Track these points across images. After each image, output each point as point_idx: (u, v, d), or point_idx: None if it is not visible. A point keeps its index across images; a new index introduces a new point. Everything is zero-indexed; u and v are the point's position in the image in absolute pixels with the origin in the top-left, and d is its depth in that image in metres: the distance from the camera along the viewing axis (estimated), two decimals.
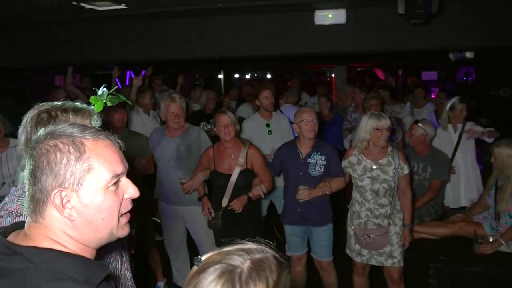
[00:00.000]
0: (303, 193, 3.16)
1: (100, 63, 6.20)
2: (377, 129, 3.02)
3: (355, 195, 3.23)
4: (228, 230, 3.24)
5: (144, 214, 3.52)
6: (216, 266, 0.87)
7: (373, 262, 3.19)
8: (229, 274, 0.85)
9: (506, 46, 4.38)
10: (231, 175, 3.23)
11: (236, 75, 13.53)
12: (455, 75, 10.73)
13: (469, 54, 5.71)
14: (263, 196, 3.37)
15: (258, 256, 0.89)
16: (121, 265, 1.56)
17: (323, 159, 3.18)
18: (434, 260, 3.27)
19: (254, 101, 4.73)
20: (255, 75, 14.05)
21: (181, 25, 4.31)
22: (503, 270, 3.14)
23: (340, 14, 3.95)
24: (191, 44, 4.34)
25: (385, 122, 3.03)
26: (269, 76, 13.86)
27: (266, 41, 4.21)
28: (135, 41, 4.46)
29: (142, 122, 4.65)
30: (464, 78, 10.07)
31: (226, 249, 0.92)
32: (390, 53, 7.63)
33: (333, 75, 10.42)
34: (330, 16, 3.99)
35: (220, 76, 11.94)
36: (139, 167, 3.49)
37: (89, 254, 0.98)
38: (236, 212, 3.22)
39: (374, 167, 3.10)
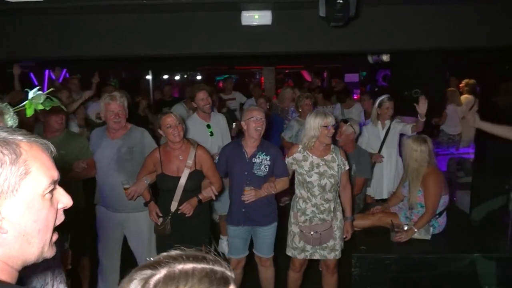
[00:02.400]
0: (249, 194, 3.15)
1: (12, 61, 5.73)
2: (325, 126, 3.13)
3: (300, 191, 3.28)
4: (177, 235, 3.12)
5: (80, 223, 3.26)
6: (141, 274, 0.81)
7: (317, 256, 3.31)
8: (144, 283, 0.79)
9: (417, 49, 4.76)
10: (179, 177, 3.12)
11: (165, 76, 13.25)
12: (375, 77, 11.48)
13: (385, 57, 6.15)
14: (214, 198, 3.30)
15: (178, 266, 0.80)
16: (52, 280, 1.41)
17: (268, 159, 3.21)
18: (356, 250, 3.46)
19: (189, 102, 4.67)
20: (185, 76, 13.87)
21: (105, 21, 4.11)
22: (416, 255, 3.42)
23: (266, 15, 4.04)
24: (115, 41, 4.17)
25: (331, 120, 3.16)
26: (199, 77, 13.76)
27: (193, 40, 4.17)
28: (52, 37, 4.17)
29: None
30: (383, 80, 10.80)
31: (157, 257, 0.84)
32: (314, 54, 7.96)
33: (262, 76, 10.62)
34: (256, 17, 4.06)
35: (149, 77, 11.61)
36: (79, 171, 3.27)
37: (9, 276, 0.85)
38: (186, 215, 3.11)
39: (321, 163, 3.20)
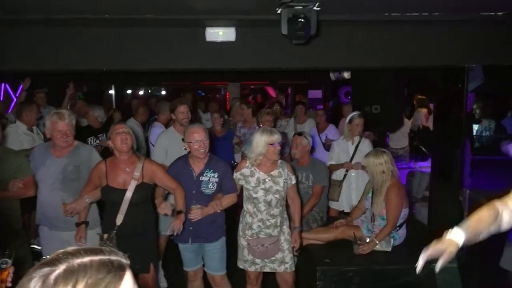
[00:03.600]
0: (196, 213, 3.13)
1: None
2: (271, 144, 3.16)
3: (247, 206, 3.30)
4: (121, 250, 3.02)
5: (20, 241, 3.14)
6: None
7: (267, 269, 3.31)
8: (44, 279, 0.82)
9: (375, 67, 4.96)
10: (126, 190, 3.04)
11: (129, 91, 13.06)
12: (338, 94, 11.80)
13: (346, 74, 6.36)
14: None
15: (77, 260, 0.85)
16: None
17: (216, 176, 3.20)
18: (320, 263, 3.50)
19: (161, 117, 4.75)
20: (149, 91, 13.72)
21: (68, 35, 4.00)
22: (378, 266, 3.50)
23: (230, 32, 4.09)
24: (78, 55, 4.07)
25: (277, 137, 3.18)
26: (163, 92, 13.66)
27: (158, 55, 4.15)
28: (12, 49, 4.01)
29: (19, 141, 4.22)
30: (345, 97, 11.11)
31: (55, 254, 0.88)
32: (278, 71, 8.11)
33: (227, 92, 10.68)
34: (220, 33, 4.11)
35: (111, 91, 11.40)
36: (15, 190, 3.13)
37: None
38: (134, 230, 3.04)
39: (267, 179, 3.22)
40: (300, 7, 3.16)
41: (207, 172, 3.20)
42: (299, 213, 3.39)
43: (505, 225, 1.51)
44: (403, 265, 3.52)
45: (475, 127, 6.01)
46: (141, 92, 13.44)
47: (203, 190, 3.18)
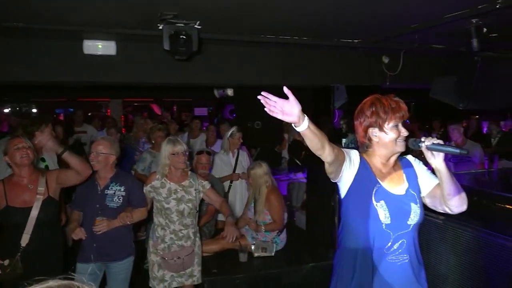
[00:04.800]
0: (101, 224, 2.97)
1: None
2: (173, 154, 3.19)
3: (158, 219, 3.24)
4: (30, 273, 2.68)
5: None
6: None
7: (175, 285, 3.26)
8: None
9: (253, 85, 5.28)
10: (30, 208, 2.80)
11: None
12: (223, 111, 12.14)
13: (230, 92, 6.61)
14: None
15: None
16: None
17: (122, 190, 3.10)
18: (208, 274, 3.56)
19: None
20: (17, 108, 12.34)
21: None
22: (262, 271, 3.70)
23: (110, 45, 3.98)
24: None
25: (181, 148, 3.22)
26: (34, 110, 12.42)
27: (29, 68, 3.83)
28: None
29: None
30: (229, 114, 11.49)
31: None
32: (163, 88, 8.06)
33: (108, 109, 10.20)
34: (99, 46, 3.97)
35: None
36: None
37: None
38: (41, 250, 2.81)
39: (178, 189, 3.22)
40: (182, 25, 3.26)
41: (112, 186, 3.09)
42: (227, 206, 3.37)
43: (323, 153, 1.74)
44: (286, 268, 3.79)
45: (344, 140, 6.75)
46: (6, 110, 12.01)
47: (107, 204, 3.05)
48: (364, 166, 1.94)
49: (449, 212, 1.94)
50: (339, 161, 1.86)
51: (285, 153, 7.60)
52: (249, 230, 4.10)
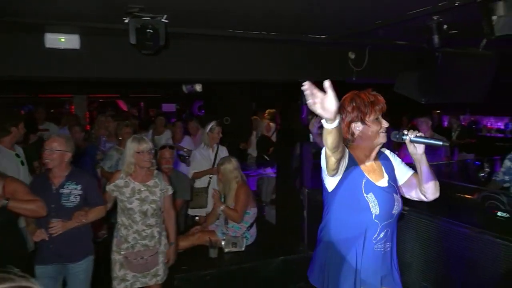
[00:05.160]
0: (56, 226, 2.87)
1: None
2: (138, 153, 3.11)
3: (122, 219, 3.17)
4: None
5: None
6: None
7: (138, 285, 3.18)
8: None
9: (222, 80, 5.27)
10: None
11: None
12: (192, 107, 12.03)
13: (198, 87, 6.55)
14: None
15: None
16: None
17: (79, 188, 2.99)
18: (178, 271, 3.54)
19: None
20: None
21: None
22: (233, 266, 3.71)
23: (73, 39, 3.85)
24: None
25: (146, 146, 3.14)
26: None
27: None
28: None
29: None
30: (198, 110, 11.41)
31: None
32: (130, 83, 7.90)
33: (72, 106, 9.90)
34: (62, 40, 3.83)
35: None
36: None
37: None
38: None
39: (142, 188, 3.14)
40: (148, 18, 3.20)
41: (68, 184, 2.97)
42: (174, 228, 3.36)
43: (338, 150, 1.73)
44: (256, 262, 3.82)
45: (311, 135, 6.85)
46: None
47: (63, 204, 2.94)
48: (352, 160, 2.01)
49: (425, 199, 2.10)
50: (343, 157, 1.90)
51: (251, 150, 7.64)
52: (219, 226, 4.10)
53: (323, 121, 1.62)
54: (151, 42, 3.24)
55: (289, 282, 3.86)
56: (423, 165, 1.99)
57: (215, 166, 4.83)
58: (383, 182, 2.05)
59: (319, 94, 1.52)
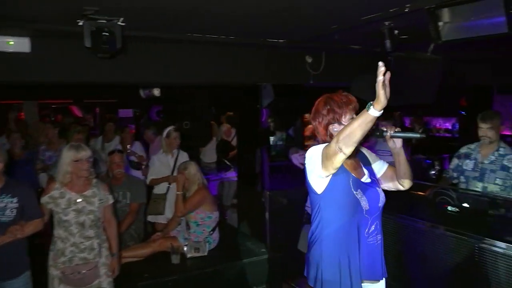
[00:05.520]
0: None
1: None
2: (76, 161, 2.98)
3: (58, 231, 3.02)
4: None
5: None
6: None
7: None
8: None
9: (181, 84, 5.21)
10: None
11: None
12: (149, 113, 11.78)
13: (156, 92, 6.44)
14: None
15: None
16: None
17: (15, 201, 2.83)
18: (139, 279, 3.46)
19: None
20: None
21: None
22: (195, 271, 3.69)
23: (23, 42, 3.69)
24: None
25: (85, 154, 3.01)
26: None
27: None
28: None
29: None
30: (156, 115, 11.20)
31: None
32: (84, 88, 7.63)
33: (21, 112, 9.43)
34: (11, 43, 3.66)
35: None
36: None
37: None
38: None
39: (79, 199, 3.01)
40: (104, 21, 3.12)
41: (3, 198, 2.81)
42: (116, 238, 3.25)
43: (357, 143, 1.80)
44: (219, 265, 3.80)
45: (271, 138, 6.93)
46: None
47: None
48: None
49: (402, 188, 2.27)
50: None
51: (203, 156, 7.59)
52: (181, 231, 4.05)
53: (371, 109, 1.70)
54: (107, 46, 3.16)
55: (253, 284, 3.88)
56: (402, 158, 2.15)
57: (175, 172, 4.81)
58: (366, 178, 2.14)
59: (387, 76, 1.69)
